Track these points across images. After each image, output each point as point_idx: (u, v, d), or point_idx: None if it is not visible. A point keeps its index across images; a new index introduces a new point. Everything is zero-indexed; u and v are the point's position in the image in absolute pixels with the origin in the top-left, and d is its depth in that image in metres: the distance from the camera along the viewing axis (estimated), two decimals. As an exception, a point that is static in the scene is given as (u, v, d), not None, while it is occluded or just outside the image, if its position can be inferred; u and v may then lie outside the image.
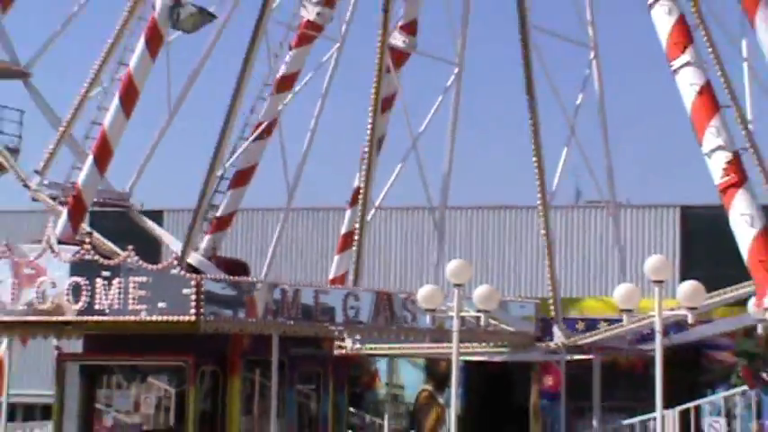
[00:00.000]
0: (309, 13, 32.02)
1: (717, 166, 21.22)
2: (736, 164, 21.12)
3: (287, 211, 30.25)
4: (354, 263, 28.52)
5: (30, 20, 30.76)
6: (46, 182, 30.37)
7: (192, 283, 19.40)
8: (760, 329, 22.31)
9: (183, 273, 19.89)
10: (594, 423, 26.01)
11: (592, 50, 30.89)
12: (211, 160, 29.62)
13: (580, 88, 30.90)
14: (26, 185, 30.33)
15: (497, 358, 26.63)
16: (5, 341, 23.47)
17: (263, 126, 31.80)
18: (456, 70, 31.32)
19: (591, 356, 26.53)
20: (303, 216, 41.26)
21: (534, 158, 30.05)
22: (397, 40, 32.42)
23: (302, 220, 41.48)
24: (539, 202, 29.77)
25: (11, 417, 24.09)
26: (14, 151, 31.95)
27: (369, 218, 29.47)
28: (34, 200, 30.46)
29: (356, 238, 28.68)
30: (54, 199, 30.28)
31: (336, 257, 32.85)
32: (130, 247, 20.61)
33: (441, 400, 26.32)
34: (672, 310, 20.58)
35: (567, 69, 32.89)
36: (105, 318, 19.77)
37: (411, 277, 37.49)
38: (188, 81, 30.85)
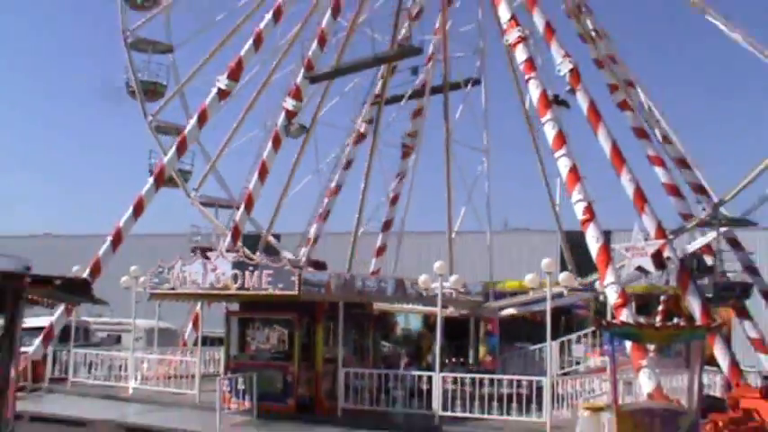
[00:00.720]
0: (361, 127, 32.65)
1: (579, 209, 21.41)
2: (590, 208, 21.29)
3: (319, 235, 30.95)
4: (347, 266, 29.44)
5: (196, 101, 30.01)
6: (199, 194, 30.48)
7: (296, 273, 19.57)
8: (602, 297, 22.59)
9: (291, 268, 19.84)
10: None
11: (484, 153, 31.69)
12: (274, 212, 30.89)
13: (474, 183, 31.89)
14: (188, 196, 30.56)
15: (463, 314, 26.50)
16: (199, 304, 23.72)
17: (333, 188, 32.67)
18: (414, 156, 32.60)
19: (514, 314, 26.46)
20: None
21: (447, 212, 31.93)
22: (407, 140, 33.12)
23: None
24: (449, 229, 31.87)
25: (203, 343, 24.15)
26: (188, 173, 30.98)
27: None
28: (192, 205, 30.26)
29: (349, 251, 29.66)
30: (204, 204, 30.34)
31: (374, 260, 33.21)
32: (262, 254, 21.13)
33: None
34: (557, 286, 20.86)
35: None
36: (250, 292, 19.93)
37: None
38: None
